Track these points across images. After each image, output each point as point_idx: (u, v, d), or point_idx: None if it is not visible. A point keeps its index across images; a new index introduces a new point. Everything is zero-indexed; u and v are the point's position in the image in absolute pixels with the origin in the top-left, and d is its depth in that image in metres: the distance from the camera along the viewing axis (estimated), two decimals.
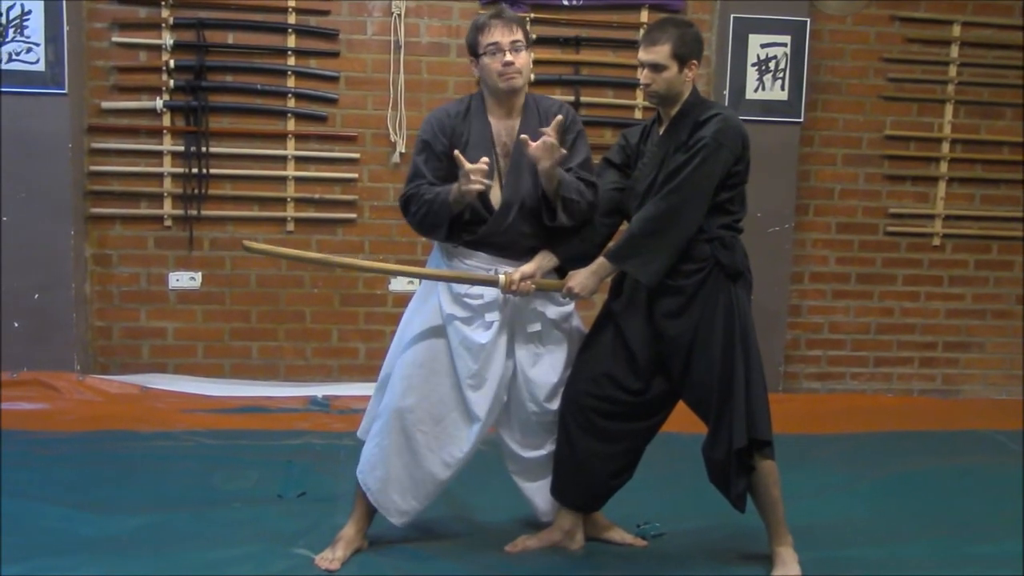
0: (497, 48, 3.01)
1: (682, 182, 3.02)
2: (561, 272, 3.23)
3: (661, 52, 3.07)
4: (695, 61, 3.11)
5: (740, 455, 3.12)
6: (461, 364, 3.12)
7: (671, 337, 3.16)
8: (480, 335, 3.11)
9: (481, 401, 3.14)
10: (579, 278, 3.14)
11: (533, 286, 3.10)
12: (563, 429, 3.28)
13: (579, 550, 3.41)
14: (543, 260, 3.15)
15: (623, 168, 3.30)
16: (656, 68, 3.08)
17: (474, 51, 3.09)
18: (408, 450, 3.17)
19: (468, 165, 2.90)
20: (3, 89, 4.69)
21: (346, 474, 4.01)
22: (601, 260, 3.15)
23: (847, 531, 3.65)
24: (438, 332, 3.15)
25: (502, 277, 3.06)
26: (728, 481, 3.17)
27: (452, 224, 3.08)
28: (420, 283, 3.35)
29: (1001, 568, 3.38)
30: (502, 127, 3.14)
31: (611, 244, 3.18)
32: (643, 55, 3.12)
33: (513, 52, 3.03)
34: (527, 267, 3.09)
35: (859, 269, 5.55)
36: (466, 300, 3.12)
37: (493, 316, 3.12)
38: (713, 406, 3.14)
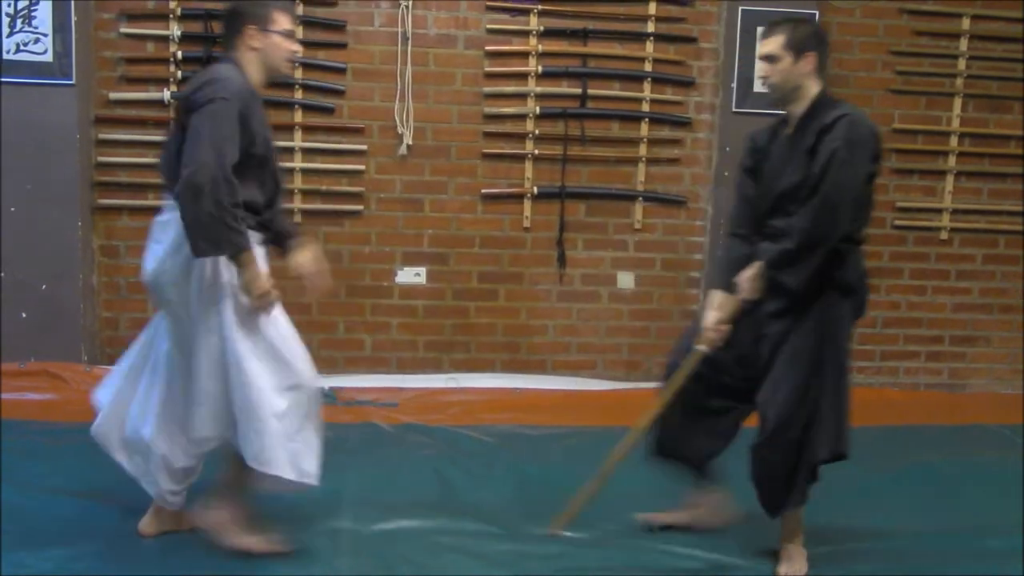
0: None
1: (827, 194, 2.99)
2: None
3: (774, 43, 3.10)
4: (811, 53, 3.10)
5: (813, 471, 3.16)
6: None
7: (767, 335, 3.17)
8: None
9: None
10: (745, 285, 3.16)
11: (728, 326, 3.23)
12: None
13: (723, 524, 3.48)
14: (719, 300, 3.26)
15: (755, 171, 3.30)
16: (770, 59, 3.11)
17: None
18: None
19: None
20: (11, 80, 4.69)
21: (352, 465, 4.03)
22: (761, 264, 3.14)
23: (853, 525, 3.65)
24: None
25: (703, 347, 3.24)
26: (779, 488, 3.19)
27: None
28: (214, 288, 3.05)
29: (1007, 562, 3.39)
30: None
31: (770, 251, 3.13)
32: (759, 49, 3.17)
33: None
34: (711, 318, 3.24)
35: (866, 262, 5.53)
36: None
37: None
38: (774, 409, 3.12)
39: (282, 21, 3.08)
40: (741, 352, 3.25)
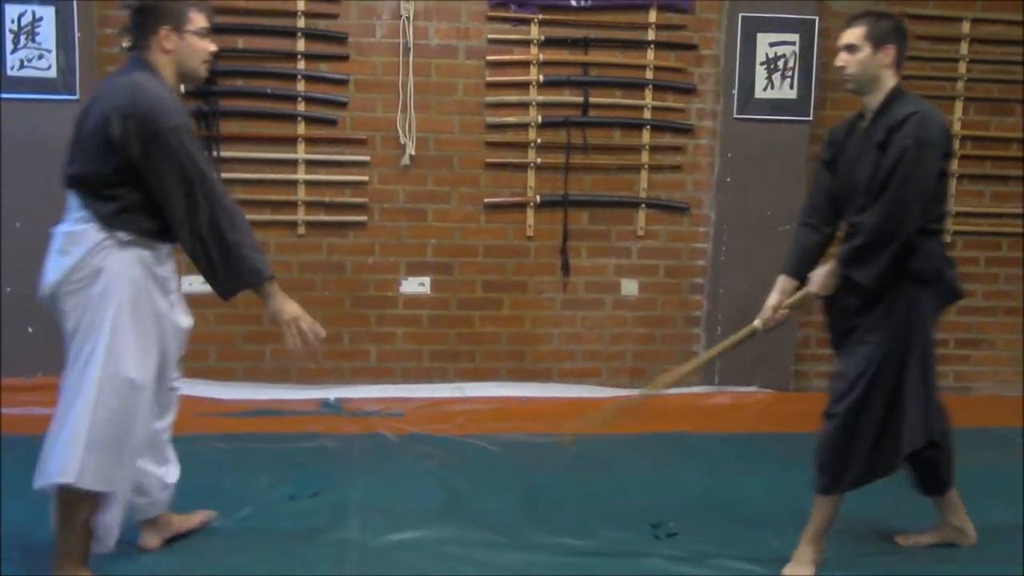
0: None
1: (897, 191, 3.07)
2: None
3: (855, 33, 3.21)
4: (891, 45, 3.19)
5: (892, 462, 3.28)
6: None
7: (853, 330, 3.26)
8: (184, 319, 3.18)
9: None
10: (818, 280, 3.28)
11: (787, 311, 3.40)
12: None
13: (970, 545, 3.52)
14: (784, 285, 3.43)
15: (833, 164, 3.40)
16: (850, 49, 3.20)
17: None
18: None
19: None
20: (15, 96, 4.72)
21: (359, 475, 4.04)
22: (835, 262, 3.23)
23: (859, 528, 3.66)
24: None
25: (758, 323, 3.40)
26: (830, 465, 3.29)
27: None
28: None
29: (1008, 565, 3.39)
30: None
31: (843, 249, 3.22)
32: (840, 39, 3.25)
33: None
34: (773, 300, 3.40)
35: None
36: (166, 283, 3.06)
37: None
38: (834, 383, 3.28)
39: (198, 20, 2.92)
40: (841, 348, 3.35)
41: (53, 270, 2.92)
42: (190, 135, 2.85)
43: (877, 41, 3.18)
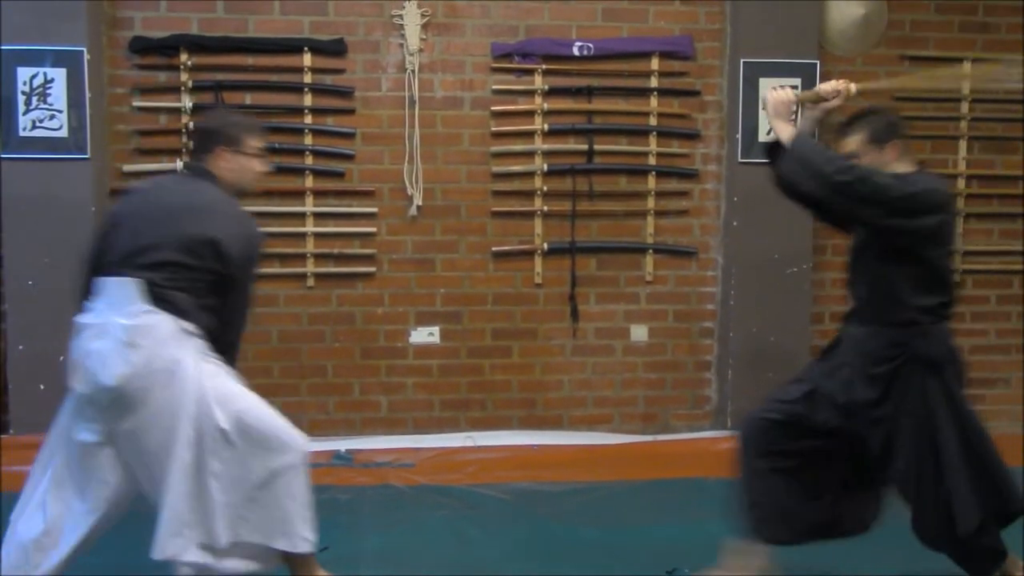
0: None
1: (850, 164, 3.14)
2: None
3: (854, 141, 3.26)
4: (893, 141, 3.23)
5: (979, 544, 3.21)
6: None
7: (869, 422, 3.23)
8: None
9: None
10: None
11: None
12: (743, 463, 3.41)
13: None
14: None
15: None
16: (854, 157, 3.23)
17: None
18: None
19: None
20: (28, 156, 4.78)
21: (371, 527, 4.02)
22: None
23: (879, 571, 3.61)
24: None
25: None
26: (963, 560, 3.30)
27: None
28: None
29: None
30: None
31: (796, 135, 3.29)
32: (841, 148, 3.30)
33: None
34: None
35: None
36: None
37: None
38: (910, 494, 3.25)
39: (252, 143, 3.24)
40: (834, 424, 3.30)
41: (121, 363, 2.91)
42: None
43: (878, 141, 3.22)
